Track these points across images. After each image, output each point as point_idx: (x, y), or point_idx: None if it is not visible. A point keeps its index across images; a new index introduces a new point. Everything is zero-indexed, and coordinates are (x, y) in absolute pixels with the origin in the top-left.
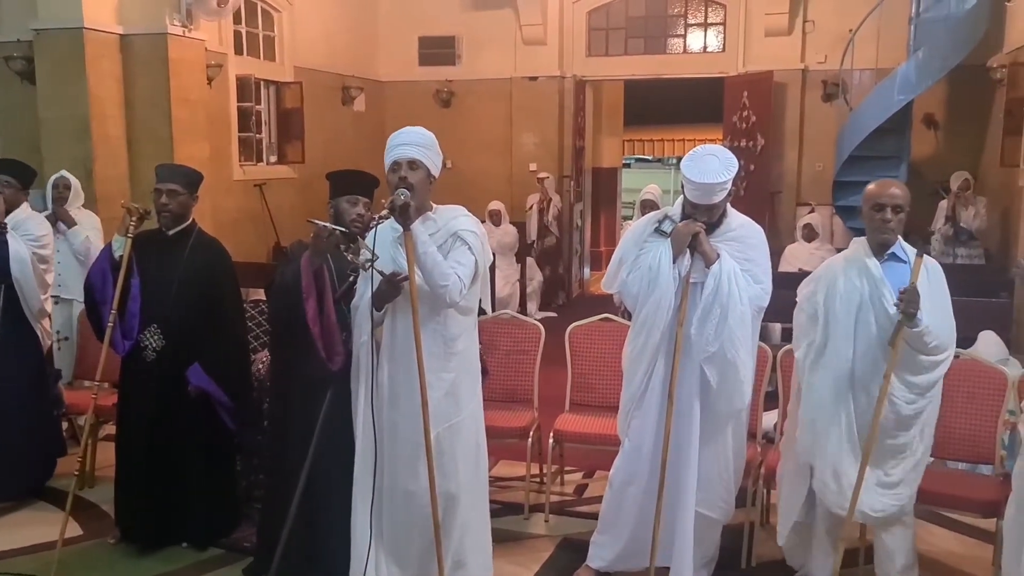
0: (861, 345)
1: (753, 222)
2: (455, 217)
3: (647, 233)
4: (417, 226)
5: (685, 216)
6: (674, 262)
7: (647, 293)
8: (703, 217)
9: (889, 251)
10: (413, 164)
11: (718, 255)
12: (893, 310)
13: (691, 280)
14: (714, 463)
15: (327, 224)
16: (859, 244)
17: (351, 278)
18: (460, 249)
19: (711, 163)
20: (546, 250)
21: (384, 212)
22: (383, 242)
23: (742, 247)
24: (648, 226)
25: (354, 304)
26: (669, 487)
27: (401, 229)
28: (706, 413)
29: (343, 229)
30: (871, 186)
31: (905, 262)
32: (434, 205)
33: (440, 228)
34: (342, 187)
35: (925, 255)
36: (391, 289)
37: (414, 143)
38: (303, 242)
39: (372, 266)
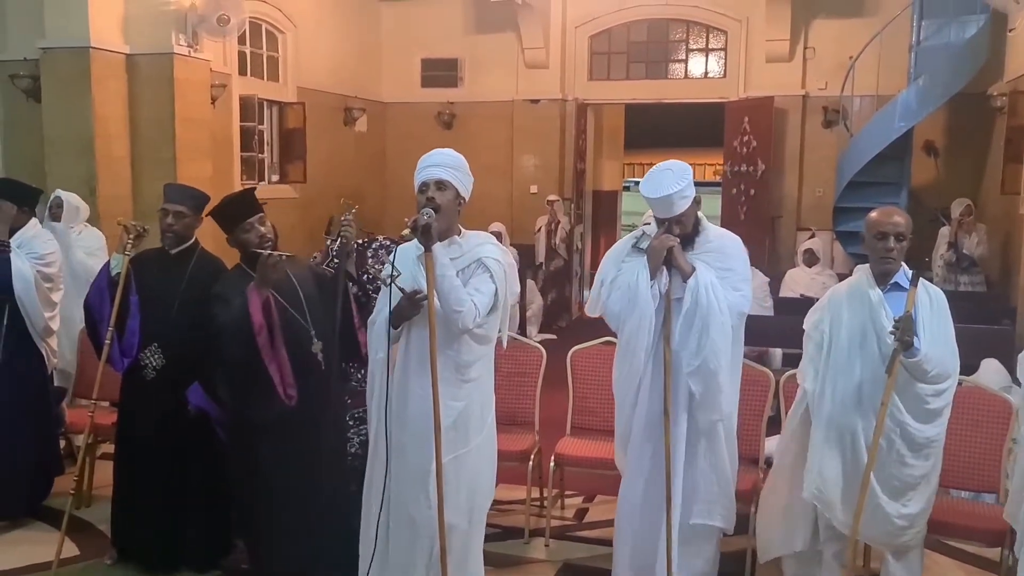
0: (868, 374)
1: (731, 234)
2: (481, 244)
3: (625, 252)
4: (438, 247)
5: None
6: (652, 279)
7: (628, 313)
8: (675, 229)
9: (892, 280)
10: (441, 184)
11: (693, 268)
12: (890, 339)
13: (675, 297)
14: (711, 472)
15: (272, 252)
16: (862, 272)
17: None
18: (482, 276)
19: (665, 176)
20: (553, 272)
21: (406, 231)
22: (406, 260)
23: (721, 257)
24: (626, 245)
25: (371, 320)
26: (656, 503)
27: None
28: (692, 424)
29: (288, 253)
30: (873, 214)
31: (908, 290)
32: (462, 230)
33: (465, 253)
34: (229, 220)
35: (928, 283)
36: (411, 307)
37: (443, 164)
38: (235, 274)
39: (393, 282)
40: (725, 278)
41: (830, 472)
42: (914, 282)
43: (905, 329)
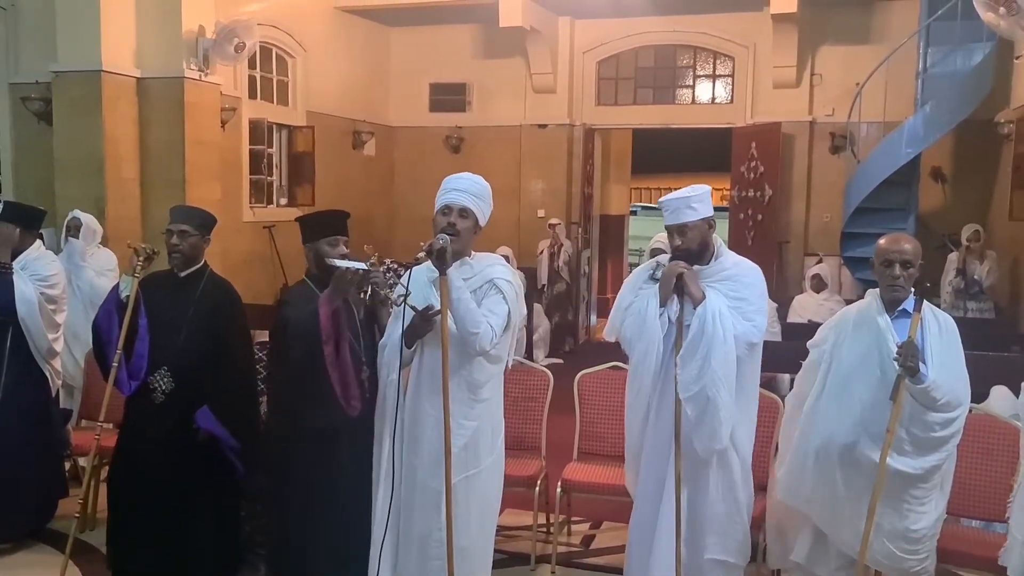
0: (867, 399)
1: (750, 263)
2: (492, 265)
3: (643, 279)
4: (453, 272)
5: (673, 259)
6: (663, 306)
7: (637, 338)
8: (676, 241)
9: (900, 307)
10: (464, 212)
11: (704, 295)
12: (895, 365)
13: (686, 323)
14: (721, 503)
15: (350, 264)
16: (872, 297)
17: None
18: (494, 298)
19: (685, 189)
20: (556, 296)
21: (421, 254)
22: (419, 281)
23: (736, 286)
24: (644, 273)
25: (383, 342)
26: (667, 531)
27: (437, 271)
28: (692, 453)
29: (364, 267)
30: (881, 241)
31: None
32: (473, 252)
33: (476, 274)
34: (318, 230)
35: (936, 309)
36: (424, 324)
37: (469, 192)
38: (301, 287)
39: (405, 302)
40: (737, 308)
41: (825, 494)
42: (917, 307)
43: (908, 355)
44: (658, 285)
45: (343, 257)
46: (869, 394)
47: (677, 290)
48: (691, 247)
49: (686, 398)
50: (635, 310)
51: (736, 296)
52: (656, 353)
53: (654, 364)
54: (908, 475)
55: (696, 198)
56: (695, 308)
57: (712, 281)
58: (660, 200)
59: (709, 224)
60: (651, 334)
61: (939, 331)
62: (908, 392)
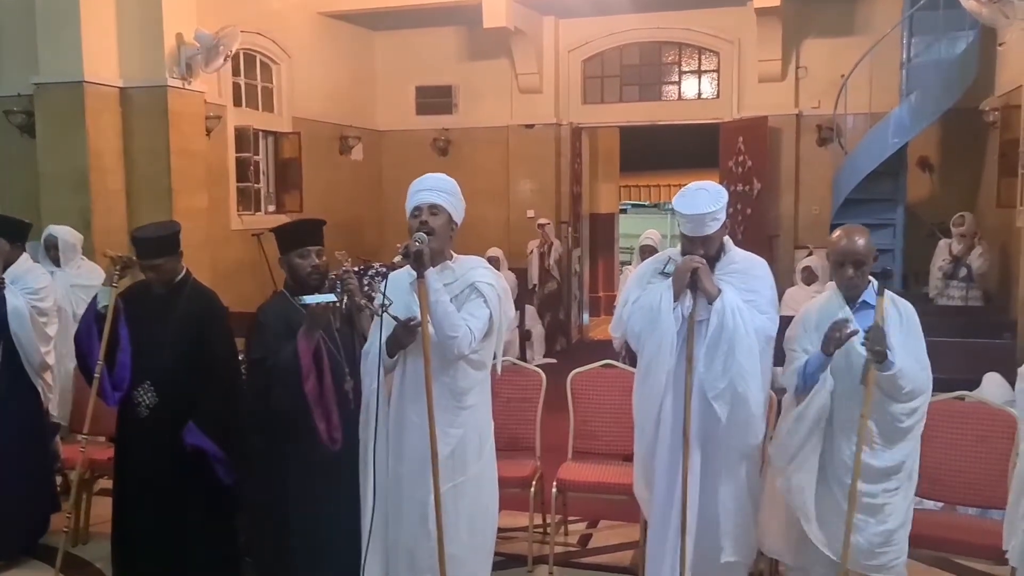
0: (837, 391)
1: (756, 256)
2: (474, 268)
3: (650, 274)
4: (431, 274)
5: (685, 255)
6: (676, 300)
7: (648, 333)
8: (699, 251)
9: (860, 299)
10: (434, 209)
11: (719, 290)
12: (862, 350)
13: (698, 319)
14: (734, 502)
15: (319, 299)
16: (832, 291)
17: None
18: (476, 302)
19: (701, 196)
20: (548, 295)
21: (398, 258)
22: (399, 287)
23: (745, 279)
24: (652, 267)
25: (365, 350)
26: (668, 529)
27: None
28: (719, 452)
29: (334, 298)
30: (835, 236)
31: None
32: (454, 255)
33: (458, 278)
34: (290, 241)
35: (896, 296)
36: (406, 334)
37: (436, 188)
38: (277, 300)
39: (385, 311)
40: (751, 302)
41: (808, 492)
42: (880, 292)
43: (875, 339)
44: (670, 279)
45: (314, 268)
46: (837, 390)
47: (691, 285)
48: (711, 253)
49: (713, 396)
50: (645, 304)
51: (748, 290)
52: (670, 348)
53: (668, 360)
54: (878, 469)
55: (721, 210)
56: (709, 304)
57: (721, 275)
58: (681, 212)
59: (725, 227)
60: (665, 328)
61: (899, 319)
62: (875, 382)
